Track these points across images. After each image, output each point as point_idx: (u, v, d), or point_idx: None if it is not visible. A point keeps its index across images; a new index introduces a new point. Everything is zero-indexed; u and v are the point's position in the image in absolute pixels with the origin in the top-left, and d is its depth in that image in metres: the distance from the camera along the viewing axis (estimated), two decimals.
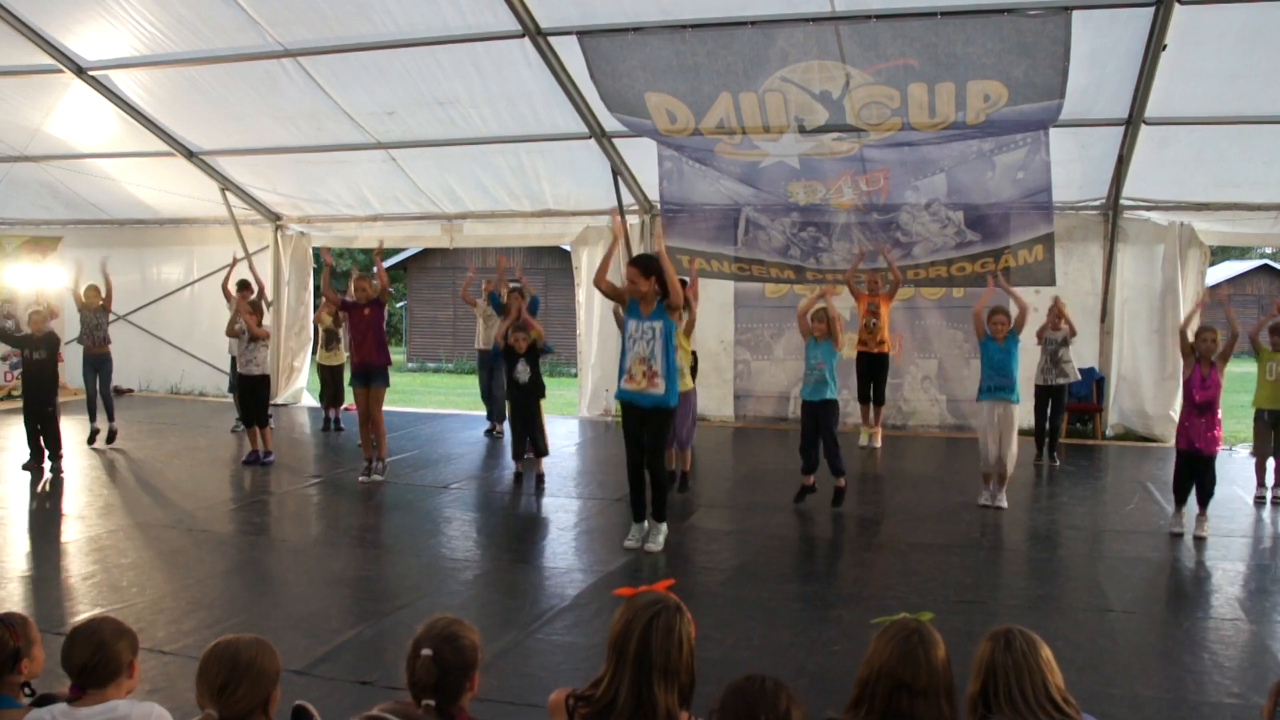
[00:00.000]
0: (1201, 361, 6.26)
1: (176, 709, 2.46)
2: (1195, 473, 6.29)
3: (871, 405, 9.59)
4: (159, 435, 10.28)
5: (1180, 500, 6.39)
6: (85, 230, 13.73)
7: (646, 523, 6.01)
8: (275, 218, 12.88)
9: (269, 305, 12.90)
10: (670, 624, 2.16)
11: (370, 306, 8.05)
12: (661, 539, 5.97)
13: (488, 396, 10.49)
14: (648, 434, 5.77)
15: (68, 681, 2.35)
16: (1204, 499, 6.30)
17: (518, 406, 7.98)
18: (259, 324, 9.09)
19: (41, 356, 8.35)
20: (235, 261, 10.95)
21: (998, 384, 7.06)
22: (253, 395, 8.87)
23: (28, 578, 5.39)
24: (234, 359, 10.02)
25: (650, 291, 5.60)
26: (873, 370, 9.40)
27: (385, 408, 8.23)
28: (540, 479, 7.79)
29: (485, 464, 9.11)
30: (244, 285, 10.19)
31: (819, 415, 6.98)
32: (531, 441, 7.98)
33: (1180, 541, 6.23)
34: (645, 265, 5.67)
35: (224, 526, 6.69)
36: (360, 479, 7.97)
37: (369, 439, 8.05)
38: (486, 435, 10.38)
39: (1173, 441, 7.42)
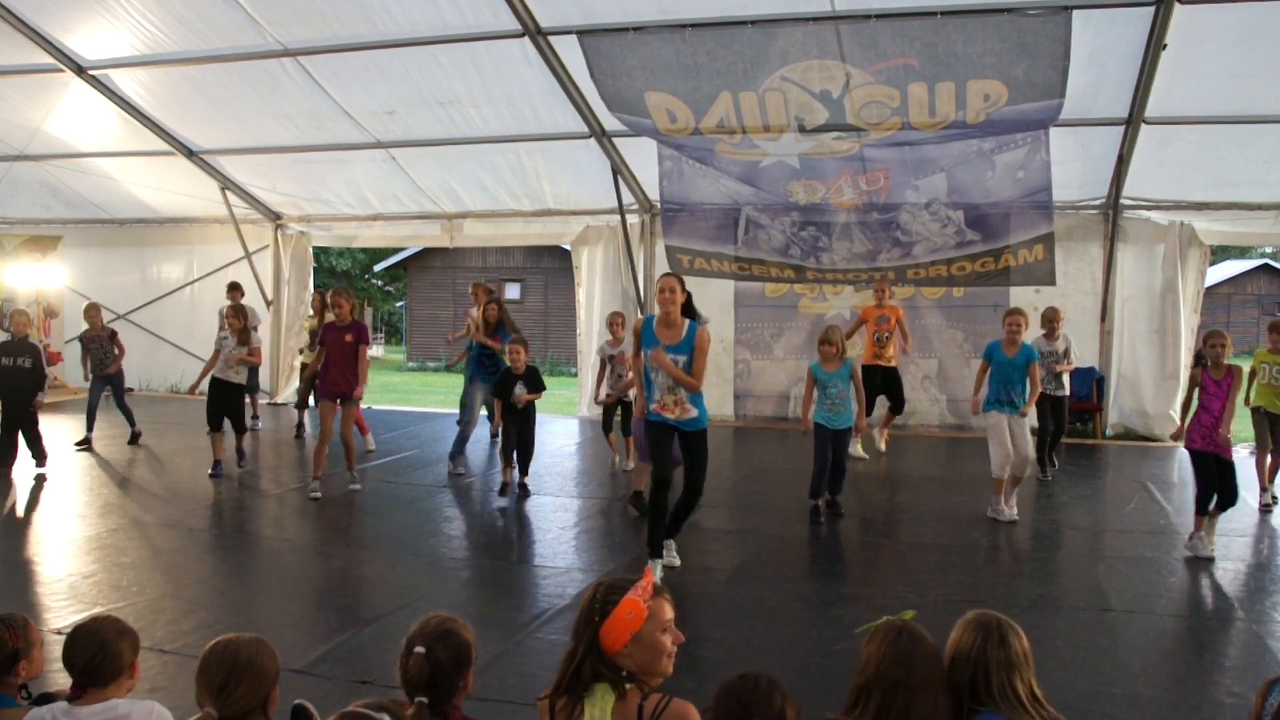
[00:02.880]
0: (1213, 367, 5.97)
1: (176, 708, 2.46)
2: (1219, 476, 5.88)
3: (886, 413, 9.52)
4: (159, 435, 10.27)
5: (1202, 510, 5.92)
6: (85, 230, 13.77)
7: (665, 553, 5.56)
8: (275, 217, 12.89)
9: (269, 305, 12.92)
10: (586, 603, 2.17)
11: (351, 330, 7.44)
12: (675, 555, 5.65)
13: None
14: (688, 456, 5.50)
15: (69, 680, 2.35)
16: (1224, 505, 5.94)
17: (509, 425, 7.59)
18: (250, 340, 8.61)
19: (26, 365, 8.08)
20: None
21: (1006, 398, 6.81)
22: (226, 402, 8.37)
23: (28, 577, 5.39)
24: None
25: (678, 308, 5.36)
26: (883, 383, 9.19)
27: (384, 406, 8.14)
28: (525, 489, 7.60)
29: (485, 464, 9.11)
30: (235, 286, 10.11)
31: (836, 441, 6.84)
32: (520, 455, 7.65)
33: (1181, 542, 6.13)
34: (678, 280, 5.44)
35: (223, 526, 6.69)
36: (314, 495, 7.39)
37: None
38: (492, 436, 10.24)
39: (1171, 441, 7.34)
